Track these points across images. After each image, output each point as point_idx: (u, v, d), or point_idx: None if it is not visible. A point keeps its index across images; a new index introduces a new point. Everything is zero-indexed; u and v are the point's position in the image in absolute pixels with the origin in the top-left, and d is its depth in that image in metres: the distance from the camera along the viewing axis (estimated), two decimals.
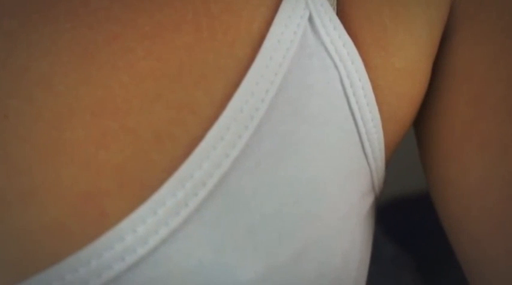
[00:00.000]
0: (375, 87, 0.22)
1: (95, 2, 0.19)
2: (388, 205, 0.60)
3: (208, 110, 0.19)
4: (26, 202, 0.18)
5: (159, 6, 0.19)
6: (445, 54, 0.23)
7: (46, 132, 0.18)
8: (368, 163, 0.23)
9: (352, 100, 0.21)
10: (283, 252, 0.20)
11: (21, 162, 0.18)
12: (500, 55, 0.22)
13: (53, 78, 0.18)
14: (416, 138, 0.26)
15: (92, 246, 0.18)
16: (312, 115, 0.20)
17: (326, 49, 0.21)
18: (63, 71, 0.18)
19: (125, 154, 0.18)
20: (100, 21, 0.19)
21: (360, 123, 0.22)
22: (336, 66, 0.21)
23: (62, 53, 0.18)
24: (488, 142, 0.21)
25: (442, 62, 0.24)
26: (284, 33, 0.20)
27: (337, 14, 0.21)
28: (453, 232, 0.24)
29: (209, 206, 0.19)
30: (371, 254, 0.27)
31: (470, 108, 0.22)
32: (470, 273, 0.23)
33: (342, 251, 0.22)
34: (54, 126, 0.18)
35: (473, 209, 0.22)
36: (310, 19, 0.21)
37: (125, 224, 0.18)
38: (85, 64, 0.18)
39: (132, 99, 0.18)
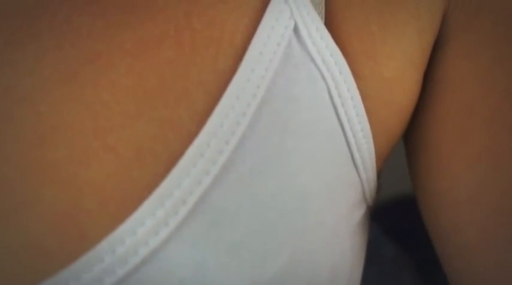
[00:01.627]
0: (364, 97, 0.21)
1: (78, 18, 0.19)
2: (388, 205, 0.60)
3: (190, 126, 0.19)
4: (7, 221, 0.17)
5: (141, 21, 0.19)
6: (437, 63, 0.23)
7: (27, 151, 0.18)
8: (358, 175, 0.22)
9: (341, 111, 0.21)
10: (269, 268, 0.19)
11: (2, 181, 0.17)
12: (494, 66, 0.21)
13: (36, 96, 0.18)
14: (405, 149, 0.25)
15: (70, 268, 0.17)
16: (299, 128, 0.20)
17: (312, 60, 0.20)
18: (46, 90, 0.18)
19: (106, 173, 0.18)
20: (83, 39, 0.18)
21: (349, 134, 0.21)
22: (323, 77, 0.20)
23: (45, 72, 0.18)
24: (480, 154, 0.21)
25: (434, 72, 0.23)
26: (267, 45, 0.19)
27: (325, 23, 0.21)
28: (440, 243, 0.23)
29: (190, 225, 0.18)
30: (370, 254, 0.27)
31: (462, 119, 0.22)
32: (455, 282, 0.23)
33: (331, 264, 0.22)
34: (36, 145, 0.18)
35: (462, 222, 0.22)
36: (296, 29, 0.20)
37: (104, 245, 0.17)
38: (68, 83, 0.18)
39: (113, 116, 0.18)
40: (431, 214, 0.23)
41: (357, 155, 0.22)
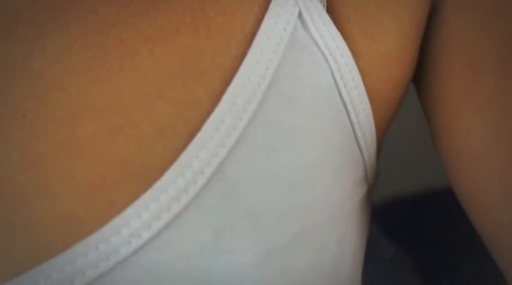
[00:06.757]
0: (364, 75, 0.23)
1: (104, 9, 0.20)
2: (388, 204, 0.60)
3: (206, 104, 0.20)
4: (41, 194, 0.19)
5: (161, 11, 0.20)
6: (436, 25, 0.24)
7: (60, 130, 0.19)
8: (361, 153, 0.24)
9: (344, 91, 0.22)
10: (281, 236, 0.21)
11: (37, 157, 0.19)
12: (492, 16, 0.22)
13: (66, 80, 0.19)
14: (425, 115, 0.26)
15: (100, 232, 0.19)
16: (305, 107, 0.21)
17: (316, 44, 0.22)
18: (75, 74, 0.20)
19: (131, 147, 0.19)
20: (108, 27, 0.20)
21: (352, 114, 0.23)
22: (326, 60, 0.22)
23: (73, 57, 0.20)
24: (488, 103, 0.22)
25: (435, 33, 0.24)
26: (274, 30, 0.21)
27: (327, 10, 0.22)
28: (467, 205, 0.23)
29: (208, 193, 0.20)
30: (370, 254, 0.27)
31: (467, 71, 0.23)
32: (488, 245, 0.23)
33: (337, 236, 0.23)
34: (67, 124, 0.19)
35: (481, 176, 0.22)
36: (300, 15, 0.22)
37: (130, 210, 0.19)
38: (95, 67, 0.20)
39: (137, 96, 0.20)
40: (454, 176, 0.24)
41: (359, 134, 0.23)
